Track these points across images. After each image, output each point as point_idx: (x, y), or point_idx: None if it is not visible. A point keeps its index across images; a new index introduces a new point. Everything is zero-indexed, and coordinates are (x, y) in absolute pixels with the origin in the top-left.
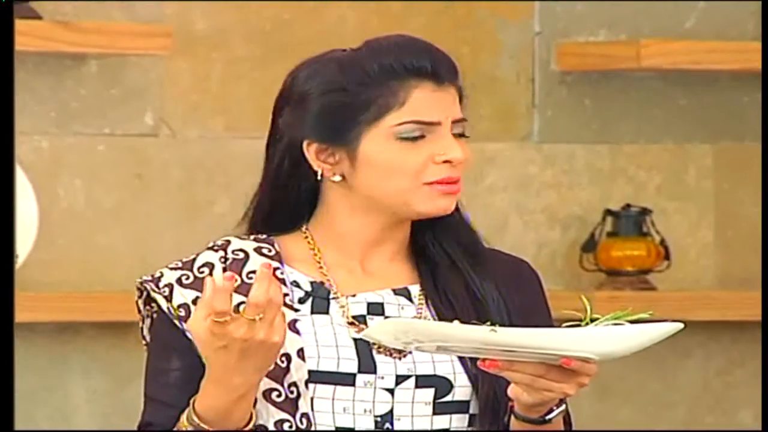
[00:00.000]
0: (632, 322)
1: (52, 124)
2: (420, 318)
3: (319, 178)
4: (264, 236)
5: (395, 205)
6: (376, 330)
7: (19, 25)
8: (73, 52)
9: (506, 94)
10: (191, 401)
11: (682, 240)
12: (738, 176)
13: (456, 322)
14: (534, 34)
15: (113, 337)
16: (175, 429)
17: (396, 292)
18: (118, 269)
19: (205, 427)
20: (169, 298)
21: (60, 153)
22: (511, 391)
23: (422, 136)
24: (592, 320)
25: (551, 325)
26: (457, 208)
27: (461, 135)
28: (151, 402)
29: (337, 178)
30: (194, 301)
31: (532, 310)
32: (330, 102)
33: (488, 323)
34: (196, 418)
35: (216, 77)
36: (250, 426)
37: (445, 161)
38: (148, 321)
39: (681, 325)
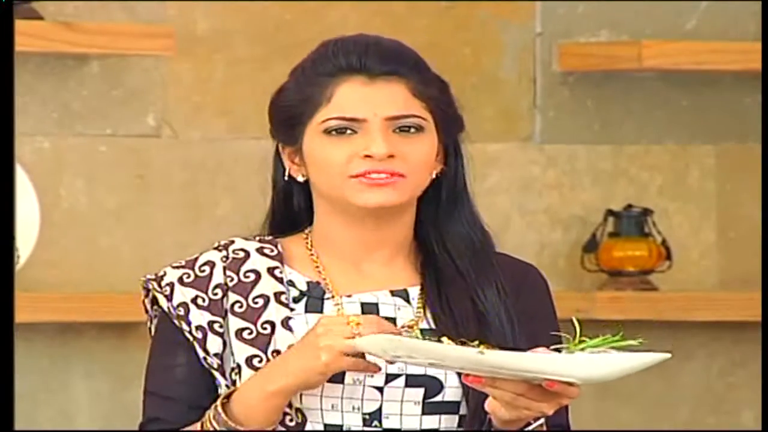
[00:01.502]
0: (619, 348)
1: (53, 124)
2: (417, 320)
3: (286, 177)
4: (270, 237)
5: (337, 200)
6: (366, 342)
7: (21, 25)
8: (75, 52)
9: (508, 94)
10: (221, 395)
11: (683, 241)
12: (740, 177)
13: (444, 339)
14: (535, 35)
15: (115, 337)
16: (191, 426)
17: (394, 293)
18: (120, 270)
19: (231, 423)
20: (170, 297)
21: (62, 154)
22: (488, 405)
23: (352, 132)
24: (581, 342)
25: (556, 332)
26: (468, 205)
27: (409, 132)
28: (155, 397)
29: (301, 178)
30: (193, 300)
31: (534, 316)
32: (280, 103)
33: (477, 343)
34: (221, 411)
35: (218, 78)
36: (272, 428)
37: (367, 156)
38: (155, 321)
39: (667, 355)
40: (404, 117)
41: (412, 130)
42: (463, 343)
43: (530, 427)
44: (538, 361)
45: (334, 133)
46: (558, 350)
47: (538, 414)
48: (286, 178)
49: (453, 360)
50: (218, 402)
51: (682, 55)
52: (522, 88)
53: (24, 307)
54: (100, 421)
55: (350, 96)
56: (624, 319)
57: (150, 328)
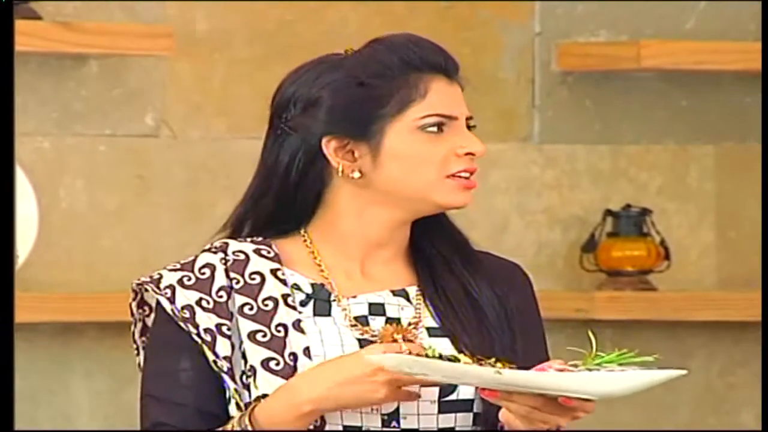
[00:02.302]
0: (635, 363)
1: (53, 124)
2: (419, 318)
3: (339, 174)
4: (260, 239)
5: (416, 199)
6: (384, 360)
7: (20, 25)
8: (75, 52)
9: (507, 94)
10: (252, 404)
11: (682, 240)
12: (739, 177)
13: (462, 357)
14: (534, 35)
15: (115, 337)
16: (220, 429)
17: (395, 293)
18: (120, 270)
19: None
20: (172, 300)
21: (61, 154)
22: (503, 416)
23: (442, 130)
24: (596, 357)
25: (541, 328)
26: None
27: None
28: (158, 402)
29: (357, 174)
30: (197, 302)
31: (524, 313)
32: (349, 97)
33: (494, 360)
34: (248, 420)
35: (218, 78)
36: None
37: (467, 153)
38: (140, 324)
39: (683, 372)
40: (471, 118)
41: (473, 126)
42: (479, 361)
43: None
44: (556, 380)
45: (432, 129)
46: (574, 365)
47: (554, 427)
48: (340, 174)
49: (470, 378)
50: (246, 412)
51: (681, 55)
52: (521, 88)
53: (24, 307)
54: (101, 421)
55: (443, 94)
56: (623, 318)
57: (134, 332)
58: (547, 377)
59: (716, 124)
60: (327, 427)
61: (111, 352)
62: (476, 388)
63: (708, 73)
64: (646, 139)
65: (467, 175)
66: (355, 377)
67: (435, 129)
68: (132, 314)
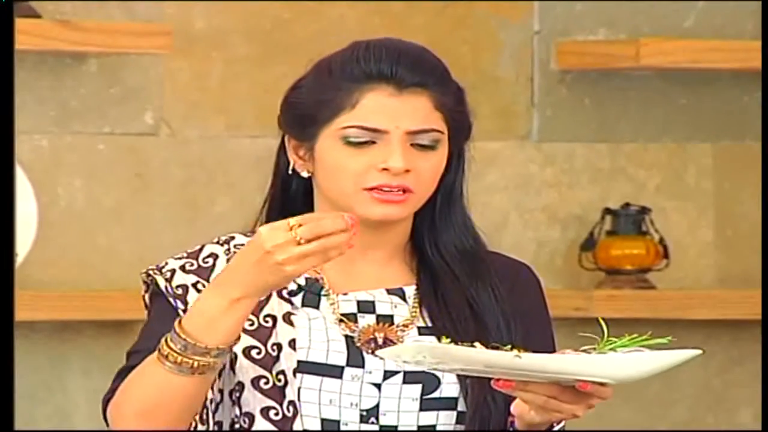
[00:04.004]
0: (649, 346)
1: (51, 123)
2: (414, 319)
3: (290, 171)
4: None
5: (344, 207)
6: (396, 349)
7: (19, 23)
8: (73, 51)
9: (506, 93)
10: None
11: (681, 239)
12: (738, 175)
13: (477, 344)
14: (533, 33)
15: (113, 335)
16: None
17: (389, 291)
18: (118, 268)
19: (190, 339)
20: (170, 280)
21: (59, 152)
22: (516, 408)
23: (371, 142)
24: (609, 342)
25: (549, 328)
26: (462, 210)
27: (426, 146)
28: (138, 354)
29: (305, 174)
30: (194, 285)
31: (527, 314)
32: (298, 99)
33: (510, 347)
34: (179, 331)
35: (216, 76)
36: (232, 344)
37: (384, 169)
38: (151, 303)
39: (699, 352)
40: (424, 132)
41: (430, 144)
42: (494, 348)
43: (555, 428)
44: (577, 364)
45: (353, 141)
46: (586, 351)
47: (570, 417)
48: (290, 171)
49: (486, 364)
50: (175, 324)
51: (679, 54)
52: (520, 87)
53: (22, 305)
54: (98, 419)
55: (375, 106)
56: (621, 317)
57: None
58: (568, 360)
59: (715, 122)
60: (305, 420)
61: (109, 350)
62: (460, 382)
63: (706, 72)
64: (644, 137)
65: (387, 189)
66: (258, 260)
67: (357, 141)
68: (145, 305)
